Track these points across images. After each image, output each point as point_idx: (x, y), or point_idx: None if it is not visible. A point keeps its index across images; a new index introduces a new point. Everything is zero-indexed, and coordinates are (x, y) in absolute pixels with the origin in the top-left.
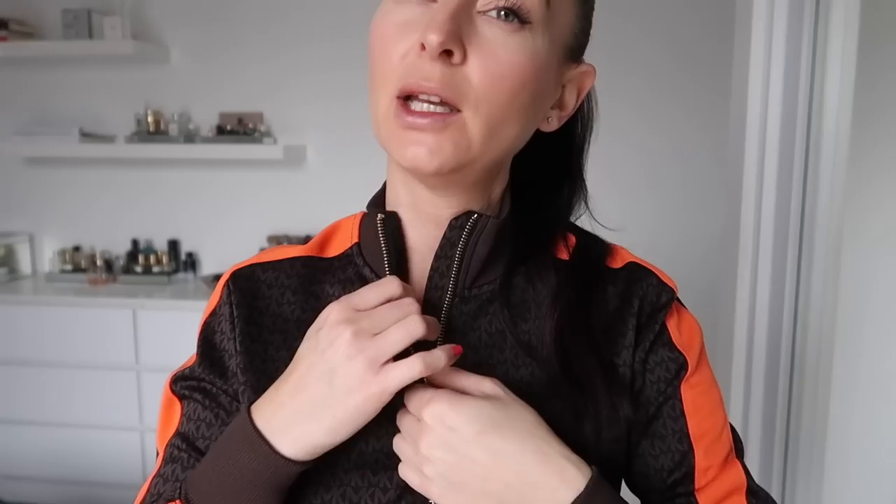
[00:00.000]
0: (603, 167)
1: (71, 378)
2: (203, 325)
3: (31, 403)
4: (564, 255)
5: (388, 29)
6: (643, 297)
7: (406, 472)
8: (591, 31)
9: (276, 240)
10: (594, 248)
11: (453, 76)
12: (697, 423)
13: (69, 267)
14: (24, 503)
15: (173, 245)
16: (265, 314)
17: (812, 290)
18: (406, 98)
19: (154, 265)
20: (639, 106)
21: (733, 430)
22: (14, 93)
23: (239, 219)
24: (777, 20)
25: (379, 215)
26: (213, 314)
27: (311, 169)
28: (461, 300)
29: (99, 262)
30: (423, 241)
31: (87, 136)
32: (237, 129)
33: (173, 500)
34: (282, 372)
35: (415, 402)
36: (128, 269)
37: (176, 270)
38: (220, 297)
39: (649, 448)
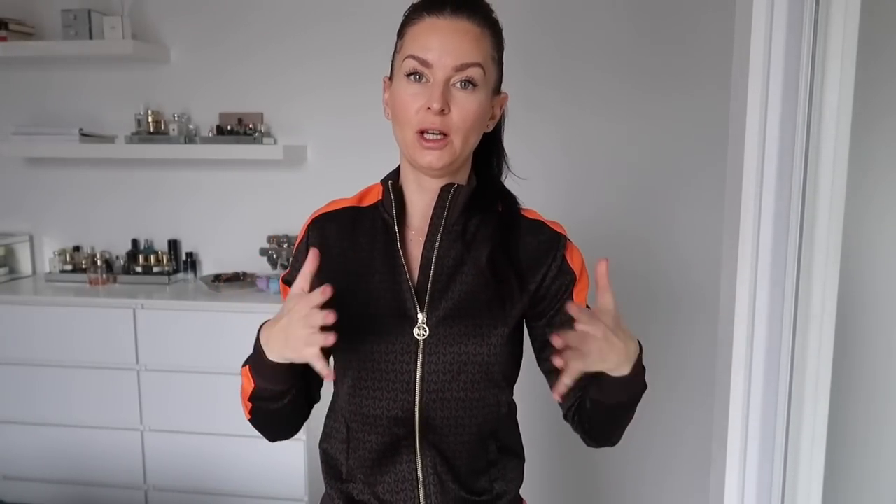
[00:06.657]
0: (602, 166)
1: (71, 378)
2: (295, 251)
3: (31, 404)
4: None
5: (405, 98)
6: (550, 245)
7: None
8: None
9: (276, 240)
10: (514, 206)
11: (445, 120)
12: (579, 303)
13: (69, 267)
14: (24, 503)
15: (173, 245)
16: (326, 249)
17: (812, 289)
18: (422, 132)
19: (154, 265)
20: (638, 104)
21: None
22: (14, 93)
23: (239, 219)
24: (777, 21)
25: (390, 182)
26: (299, 249)
27: (311, 169)
28: (444, 231)
29: (99, 263)
30: (421, 201)
31: (87, 136)
32: (237, 129)
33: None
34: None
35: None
36: (128, 270)
37: (176, 270)
38: (304, 238)
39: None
